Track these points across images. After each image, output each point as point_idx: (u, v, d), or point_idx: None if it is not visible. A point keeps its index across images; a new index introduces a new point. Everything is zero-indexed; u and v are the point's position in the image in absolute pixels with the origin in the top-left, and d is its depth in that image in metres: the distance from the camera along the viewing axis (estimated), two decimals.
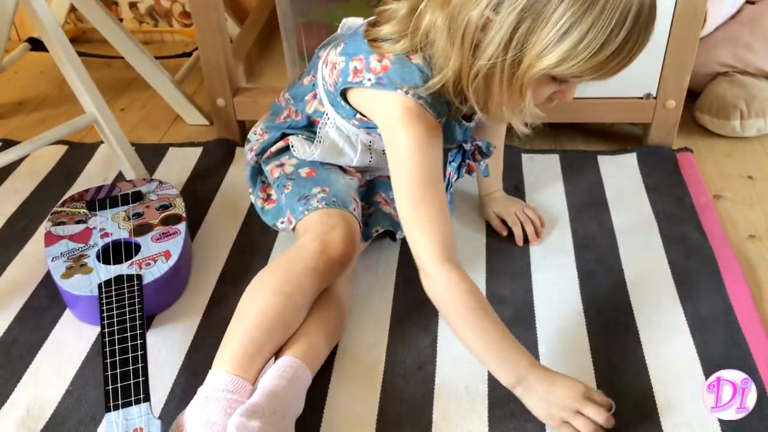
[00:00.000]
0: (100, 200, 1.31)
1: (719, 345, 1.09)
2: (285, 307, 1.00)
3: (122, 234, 1.23)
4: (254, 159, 1.28)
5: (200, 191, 1.48)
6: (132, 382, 0.97)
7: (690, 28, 1.39)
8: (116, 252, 1.20)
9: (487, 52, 0.92)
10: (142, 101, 1.87)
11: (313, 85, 1.19)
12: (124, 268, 1.15)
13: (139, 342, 1.03)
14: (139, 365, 0.99)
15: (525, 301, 1.19)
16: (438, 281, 0.98)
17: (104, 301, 1.10)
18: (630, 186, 1.44)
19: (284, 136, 1.25)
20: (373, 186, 1.28)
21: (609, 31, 0.87)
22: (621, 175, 1.47)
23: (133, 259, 1.17)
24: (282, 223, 1.21)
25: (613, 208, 1.38)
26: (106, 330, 1.05)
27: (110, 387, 0.97)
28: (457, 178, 1.20)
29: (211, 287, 1.23)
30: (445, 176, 1.20)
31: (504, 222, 1.32)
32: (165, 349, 1.12)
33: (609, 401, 0.94)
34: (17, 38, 2.22)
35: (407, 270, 1.23)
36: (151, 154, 1.59)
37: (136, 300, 1.09)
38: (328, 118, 1.16)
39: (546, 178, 1.47)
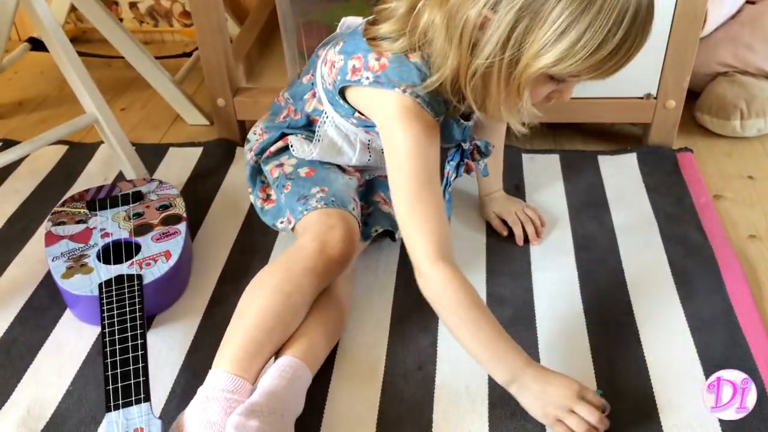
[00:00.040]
0: (100, 200, 1.31)
1: (719, 345, 1.09)
2: (284, 306, 1.00)
3: (122, 234, 1.23)
4: (253, 159, 1.28)
5: (200, 191, 1.48)
6: (132, 382, 0.97)
7: (690, 28, 1.39)
8: (116, 252, 1.20)
9: (485, 51, 0.92)
10: (143, 101, 1.87)
11: (312, 84, 1.19)
12: (124, 268, 1.15)
13: (139, 342, 1.03)
14: (140, 365, 0.99)
15: (525, 300, 1.19)
16: (433, 280, 0.98)
17: (104, 301, 1.10)
18: (630, 186, 1.44)
19: (283, 135, 1.25)
20: (372, 186, 1.28)
21: (606, 31, 0.87)
22: (621, 175, 1.47)
23: (134, 259, 1.17)
24: (281, 223, 1.21)
25: (613, 208, 1.38)
26: (107, 330, 1.05)
27: (111, 387, 0.97)
28: (455, 178, 1.20)
29: (212, 287, 1.23)
30: (443, 175, 1.21)
31: (504, 222, 1.32)
32: (165, 349, 1.12)
33: (603, 401, 0.94)
34: (17, 38, 2.22)
35: (407, 270, 1.23)
36: (151, 154, 1.59)
37: (137, 300, 1.09)
38: (327, 117, 1.17)
39: (546, 178, 1.47)
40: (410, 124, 1.01)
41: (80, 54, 1.41)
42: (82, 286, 1.13)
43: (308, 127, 1.21)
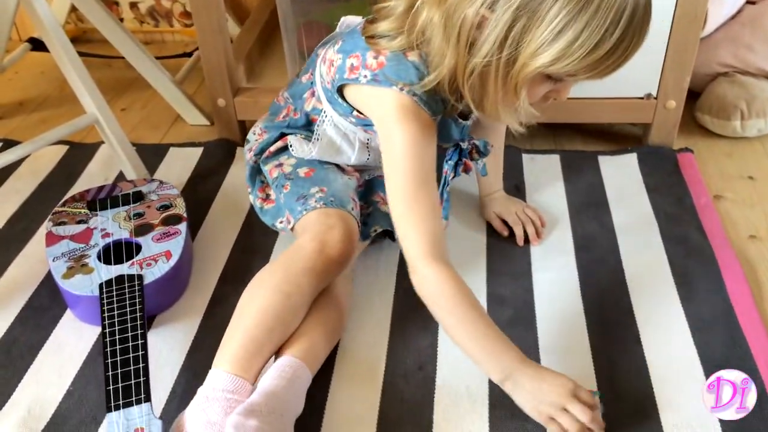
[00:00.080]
0: (100, 200, 1.31)
1: (719, 345, 1.09)
2: (284, 306, 1.00)
3: (123, 234, 1.23)
4: (253, 159, 1.28)
5: (201, 191, 1.48)
6: (133, 382, 0.97)
7: (690, 28, 1.39)
8: (117, 252, 1.20)
9: (482, 50, 0.92)
10: (143, 101, 1.87)
11: (312, 83, 1.19)
12: (124, 268, 1.15)
13: (140, 342, 1.03)
14: (140, 365, 1.00)
15: (526, 301, 1.19)
16: (427, 278, 0.98)
17: (105, 301, 1.10)
18: (630, 186, 1.44)
19: (283, 135, 1.25)
20: (371, 185, 1.28)
21: (604, 31, 0.87)
22: (621, 176, 1.47)
23: (134, 259, 1.17)
24: (281, 223, 1.21)
25: (613, 208, 1.38)
26: (107, 330, 1.05)
27: (111, 387, 0.97)
28: (453, 177, 1.20)
29: (212, 287, 1.24)
30: (441, 174, 1.21)
31: (505, 222, 1.33)
32: (166, 349, 1.12)
33: (597, 401, 0.94)
34: (18, 38, 2.22)
35: (407, 270, 1.23)
36: (151, 154, 1.59)
37: (137, 300, 1.09)
38: (326, 116, 1.17)
39: (546, 179, 1.47)
40: (407, 123, 1.01)
41: (81, 54, 1.41)
42: (83, 286, 1.13)
43: (308, 126, 1.21)
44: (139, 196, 1.32)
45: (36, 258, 1.31)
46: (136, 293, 1.11)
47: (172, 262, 1.17)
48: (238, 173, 1.51)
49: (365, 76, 1.03)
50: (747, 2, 1.65)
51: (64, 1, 1.95)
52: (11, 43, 1.88)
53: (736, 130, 1.57)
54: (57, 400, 1.05)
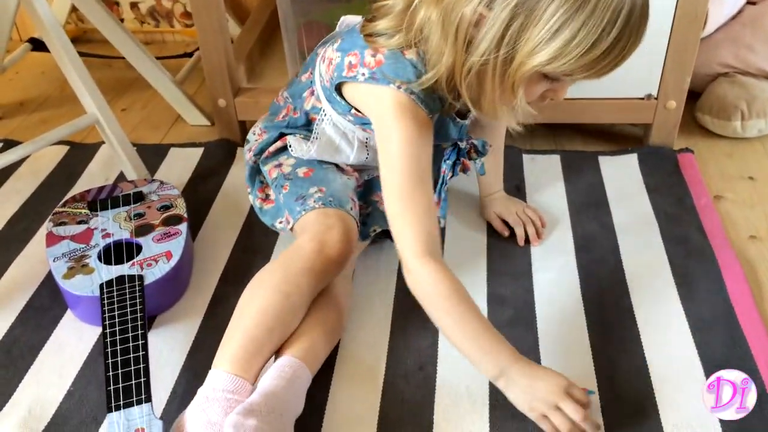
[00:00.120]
0: (101, 200, 1.31)
1: (720, 345, 1.09)
2: (283, 306, 1.00)
3: (123, 234, 1.23)
4: (252, 159, 1.28)
5: (201, 192, 1.48)
6: (133, 382, 0.97)
7: (691, 28, 1.39)
8: (117, 252, 1.20)
9: (479, 48, 0.93)
10: (143, 101, 1.87)
11: (311, 82, 1.19)
12: (125, 269, 1.16)
13: (140, 342, 1.03)
14: (141, 366, 1.00)
15: (526, 301, 1.19)
16: (420, 276, 0.99)
17: (105, 301, 1.10)
18: (631, 186, 1.44)
19: (282, 136, 1.25)
20: (370, 185, 1.28)
21: (600, 30, 0.87)
22: (622, 176, 1.47)
23: (135, 260, 1.17)
24: (280, 223, 1.21)
25: (613, 208, 1.38)
26: (108, 330, 1.05)
27: (112, 387, 0.97)
28: (451, 176, 1.21)
29: (213, 287, 1.24)
30: (439, 174, 1.21)
31: (505, 222, 1.33)
32: (166, 349, 1.12)
33: (589, 399, 0.94)
34: (18, 38, 2.22)
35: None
36: (152, 155, 1.59)
37: (138, 300, 1.10)
38: (325, 115, 1.17)
39: (547, 179, 1.47)
40: (404, 121, 1.01)
41: (81, 54, 1.41)
42: (83, 286, 1.13)
43: (307, 126, 1.21)
44: (139, 197, 1.32)
45: (36, 258, 1.31)
46: (137, 293, 1.11)
47: (173, 262, 1.17)
48: (238, 173, 1.51)
49: (363, 74, 1.04)
50: (747, 2, 1.65)
51: (64, 1, 1.95)
52: (12, 43, 1.88)
53: (737, 130, 1.57)
54: (57, 401, 1.05)
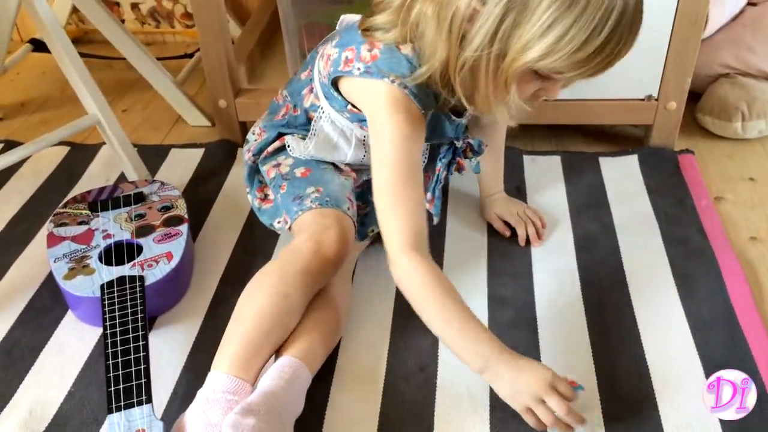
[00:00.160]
0: (102, 201, 1.31)
1: (720, 346, 1.09)
2: (281, 307, 1.01)
3: (124, 235, 1.23)
4: (251, 159, 1.28)
5: (202, 192, 1.48)
6: (134, 383, 0.97)
7: (692, 29, 1.39)
8: (118, 253, 1.20)
9: (473, 43, 0.93)
10: (144, 102, 1.87)
11: (310, 79, 1.19)
12: (126, 270, 1.16)
13: (141, 343, 1.03)
14: (141, 367, 1.00)
15: (526, 301, 1.19)
16: (404, 269, 0.99)
17: (106, 302, 1.10)
18: (631, 187, 1.44)
19: (280, 135, 1.25)
20: (369, 186, 1.28)
21: (592, 29, 0.87)
22: (622, 177, 1.47)
23: (135, 261, 1.17)
24: (278, 222, 1.22)
25: (614, 209, 1.38)
26: (108, 331, 1.05)
27: (112, 388, 0.97)
28: (446, 175, 1.21)
29: (213, 288, 1.24)
30: (434, 172, 1.21)
31: (506, 223, 1.33)
32: (167, 350, 1.12)
33: (573, 393, 0.94)
34: (19, 39, 2.22)
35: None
36: (152, 156, 1.59)
37: (138, 301, 1.10)
38: (323, 112, 1.17)
39: (547, 180, 1.47)
40: (397, 115, 1.02)
41: (82, 55, 1.41)
42: (84, 287, 1.13)
43: (307, 124, 1.21)
44: (140, 198, 1.32)
45: (37, 259, 1.31)
46: (138, 294, 1.11)
47: (174, 263, 1.17)
48: (239, 174, 1.51)
49: (358, 69, 1.04)
50: (748, 3, 1.65)
51: (65, 2, 1.95)
52: (13, 44, 1.88)
53: (737, 131, 1.57)
54: (58, 402, 1.05)
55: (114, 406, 0.95)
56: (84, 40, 2.20)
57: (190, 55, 2.00)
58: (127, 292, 1.11)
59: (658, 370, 1.06)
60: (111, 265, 1.17)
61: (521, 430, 0.98)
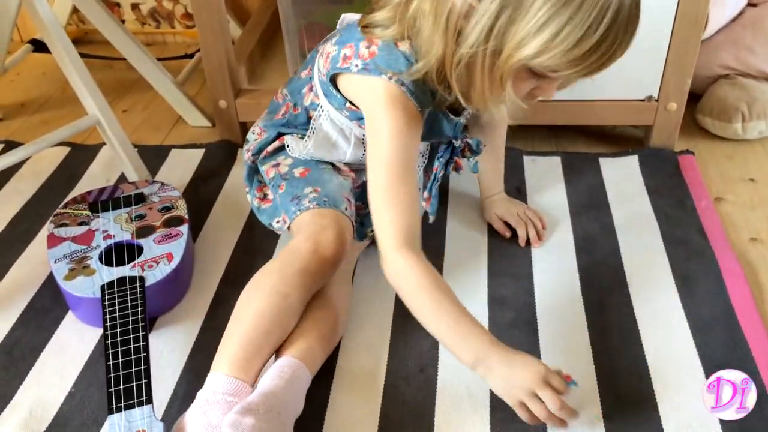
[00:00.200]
0: (102, 202, 1.31)
1: (720, 347, 1.09)
2: (280, 308, 1.01)
3: (125, 236, 1.23)
4: (251, 159, 1.28)
5: (202, 193, 1.48)
6: (134, 384, 0.97)
7: (692, 30, 1.39)
8: (119, 254, 1.20)
9: (469, 39, 0.93)
10: (145, 103, 1.87)
11: (310, 78, 1.19)
12: (126, 270, 1.16)
13: (141, 344, 1.03)
14: (142, 367, 1.00)
15: (526, 302, 1.19)
16: (395, 265, 0.99)
17: (107, 302, 1.10)
18: (631, 188, 1.44)
19: (280, 135, 1.25)
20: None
21: (587, 27, 0.87)
22: (622, 177, 1.47)
23: (136, 261, 1.17)
24: (277, 222, 1.22)
25: (614, 209, 1.38)
26: (109, 332, 1.05)
27: (113, 389, 0.97)
28: (443, 174, 1.21)
29: (214, 289, 1.24)
30: (431, 170, 1.21)
31: (506, 224, 1.33)
32: (167, 350, 1.12)
33: (566, 386, 0.94)
34: (20, 40, 2.22)
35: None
36: (153, 156, 1.59)
37: (139, 302, 1.10)
38: (323, 110, 1.17)
39: (548, 180, 1.47)
40: (394, 112, 1.02)
41: (82, 55, 1.41)
42: (85, 287, 1.13)
43: (307, 124, 1.22)
44: (140, 198, 1.32)
45: (38, 259, 1.31)
46: (138, 295, 1.11)
47: (174, 264, 1.17)
48: (239, 175, 1.51)
49: (356, 65, 1.05)
50: (748, 4, 1.65)
51: (65, 2, 1.95)
52: (13, 44, 1.88)
53: (737, 132, 1.57)
54: (59, 402, 1.05)
55: (114, 406, 0.95)
56: (84, 40, 2.20)
57: (191, 56, 2.00)
58: (128, 292, 1.11)
59: (658, 371, 1.06)
60: (111, 265, 1.17)
61: (521, 431, 0.98)
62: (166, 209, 1.29)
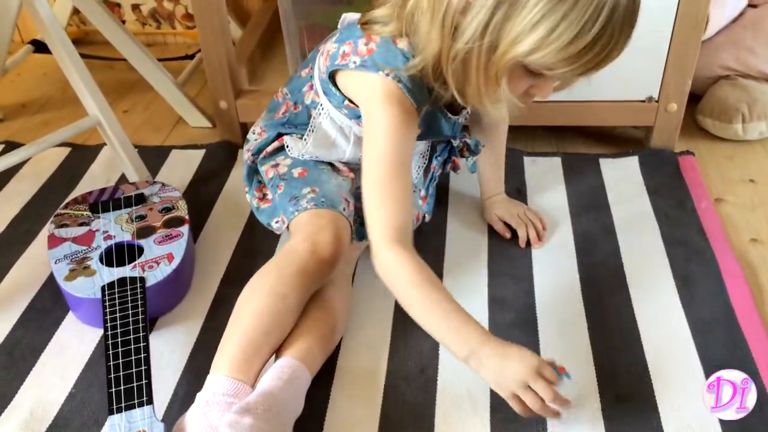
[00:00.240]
0: (103, 202, 1.31)
1: (720, 347, 1.09)
2: (279, 308, 1.01)
3: (125, 236, 1.23)
4: (251, 159, 1.28)
5: (203, 193, 1.48)
6: (135, 384, 0.97)
7: (692, 31, 1.39)
8: (119, 254, 1.20)
9: (465, 35, 0.93)
10: (145, 103, 1.87)
11: (311, 76, 1.19)
12: (127, 271, 1.16)
13: (142, 345, 1.03)
14: (142, 368, 1.00)
15: (526, 302, 1.19)
16: (386, 261, 0.99)
17: (107, 303, 1.10)
18: (631, 189, 1.44)
19: (280, 135, 1.26)
20: None
21: (582, 25, 0.87)
22: (623, 178, 1.47)
23: (136, 262, 1.17)
24: (276, 222, 1.22)
25: (614, 210, 1.38)
26: (109, 332, 1.05)
27: (113, 390, 0.97)
28: (441, 173, 1.21)
29: (214, 289, 1.24)
30: (429, 169, 1.21)
31: (506, 225, 1.33)
32: (168, 351, 1.13)
33: (559, 377, 0.94)
34: (20, 40, 2.22)
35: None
36: (153, 157, 1.59)
37: (139, 302, 1.10)
38: (323, 109, 1.17)
39: (548, 181, 1.47)
40: (391, 109, 1.02)
41: (83, 56, 1.41)
42: (85, 288, 1.13)
43: (308, 123, 1.22)
44: (141, 199, 1.32)
45: (38, 260, 1.31)
46: (138, 296, 1.11)
47: (174, 264, 1.17)
48: (239, 175, 1.51)
49: (354, 62, 1.05)
50: (749, 5, 1.65)
51: (66, 3, 1.96)
52: (14, 45, 1.88)
53: (738, 133, 1.57)
54: (59, 403, 1.05)
55: (115, 407, 0.95)
56: (85, 41, 2.20)
57: (191, 56, 2.00)
58: (128, 293, 1.11)
59: (658, 371, 1.06)
60: (112, 266, 1.17)
61: None
62: (167, 210, 1.29)
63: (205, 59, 1.53)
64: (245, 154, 1.30)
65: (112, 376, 0.99)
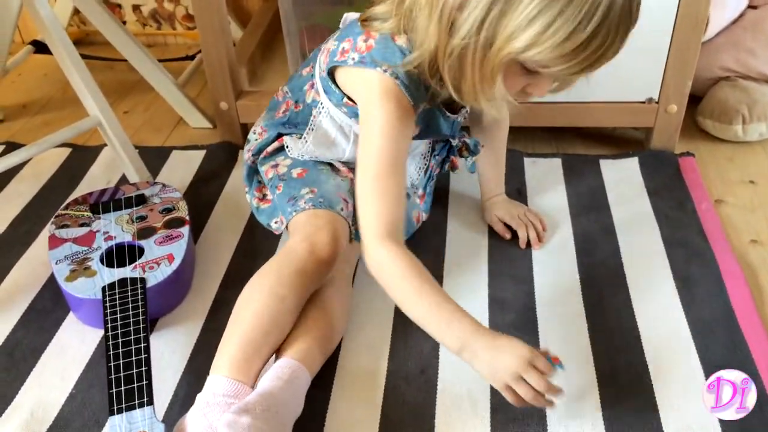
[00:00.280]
0: (103, 203, 1.31)
1: (720, 348, 1.09)
2: (278, 309, 1.01)
3: (126, 237, 1.23)
4: (251, 159, 1.29)
5: (203, 194, 1.48)
6: (135, 385, 0.98)
7: (692, 32, 1.39)
8: (120, 255, 1.20)
9: (461, 30, 0.93)
10: (146, 104, 1.87)
11: (312, 75, 1.20)
12: (127, 272, 1.16)
13: (142, 345, 1.03)
14: (143, 368, 1.00)
15: (527, 303, 1.19)
16: (377, 256, 1.00)
17: (108, 304, 1.10)
18: (632, 190, 1.44)
19: (280, 136, 1.26)
20: None
21: (577, 22, 0.87)
22: (623, 179, 1.47)
23: (137, 263, 1.18)
24: (276, 223, 1.23)
25: (614, 211, 1.38)
26: (110, 333, 1.05)
27: (114, 390, 0.97)
28: (439, 173, 1.21)
29: (214, 290, 1.24)
30: (427, 168, 1.21)
31: (507, 226, 1.33)
32: (168, 352, 1.13)
33: (552, 367, 0.94)
34: (21, 41, 2.22)
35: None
36: (154, 157, 1.59)
37: (140, 303, 1.10)
38: (323, 107, 1.17)
39: (548, 182, 1.47)
40: (388, 105, 1.03)
41: (83, 57, 1.41)
42: (86, 289, 1.13)
43: (309, 121, 1.22)
44: (141, 199, 1.32)
45: (39, 261, 1.31)
46: (139, 296, 1.11)
47: (175, 265, 1.17)
48: (240, 176, 1.51)
49: (353, 59, 1.06)
50: (749, 6, 1.65)
51: (66, 3, 1.96)
52: (14, 45, 1.88)
53: (738, 134, 1.57)
54: (60, 403, 1.05)
55: (115, 408, 0.95)
56: (85, 41, 2.20)
57: (192, 57, 2.00)
58: (129, 294, 1.11)
59: (658, 371, 1.06)
60: (112, 267, 1.17)
61: None
62: (167, 210, 1.29)
63: (205, 60, 1.53)
64: (246, 154, 1.31)
65: (113, 376, 0.99)
